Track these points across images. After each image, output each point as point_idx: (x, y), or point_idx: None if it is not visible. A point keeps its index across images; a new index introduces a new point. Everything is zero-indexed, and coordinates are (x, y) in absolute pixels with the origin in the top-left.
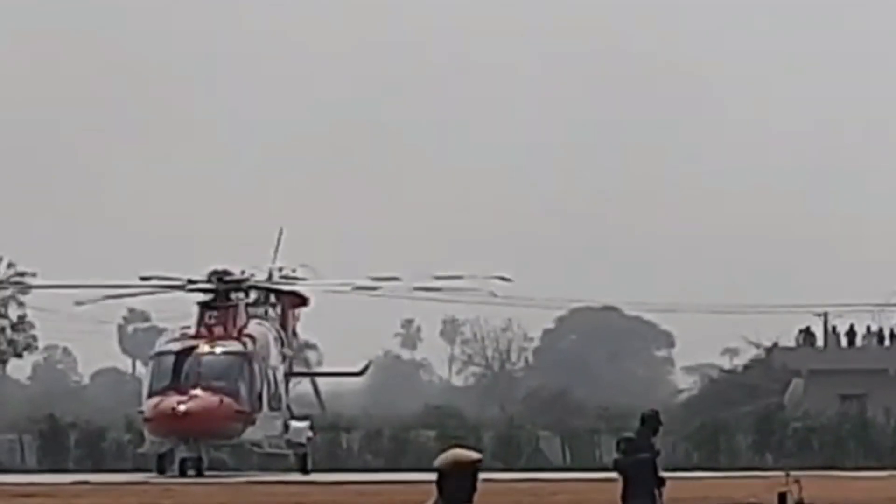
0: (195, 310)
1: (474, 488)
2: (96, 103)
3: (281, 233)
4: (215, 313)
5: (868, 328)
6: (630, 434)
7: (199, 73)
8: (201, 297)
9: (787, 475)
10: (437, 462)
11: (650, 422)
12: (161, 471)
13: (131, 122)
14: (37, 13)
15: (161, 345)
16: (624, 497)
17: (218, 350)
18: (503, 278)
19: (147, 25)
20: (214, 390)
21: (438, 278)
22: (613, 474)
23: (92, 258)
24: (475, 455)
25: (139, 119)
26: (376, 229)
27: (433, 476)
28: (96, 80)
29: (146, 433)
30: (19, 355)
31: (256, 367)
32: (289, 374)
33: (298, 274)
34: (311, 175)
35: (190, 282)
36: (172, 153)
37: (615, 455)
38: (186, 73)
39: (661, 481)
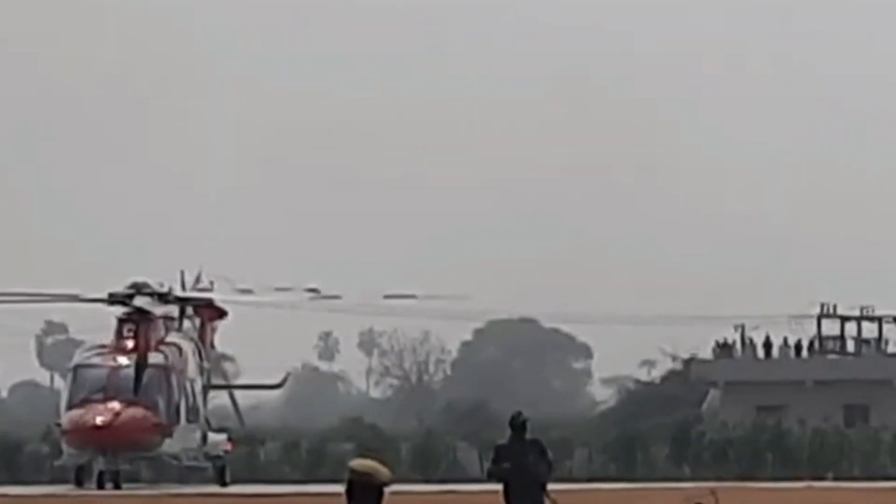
0: (113, 322)
1: (380, 499)
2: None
3: (200, 272)
4: (133, 326)
5: (785, 340)
6: (503, 442)
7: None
8: (120, 309)
9: (713, 493)
10: (354, 465)
11: (518, 426)
12: (79, 483)
13: (55, 129)
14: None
15: (79, 357)
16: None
17: (136, 363)
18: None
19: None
20: (132, 403)
21: (388, 297)
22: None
23: (10, 269)
24: (380, 474)
25: (64, 126)
26: (284, 241)
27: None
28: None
29: (64, 446)
30: None
31: (174, 380)
32: (207, 387)
33: (216, 286)
34: (236, 188)
35: (109, 294)
36: (93, 165)
37: (489, 466)
38: (111, 82)
39: (543, 486)
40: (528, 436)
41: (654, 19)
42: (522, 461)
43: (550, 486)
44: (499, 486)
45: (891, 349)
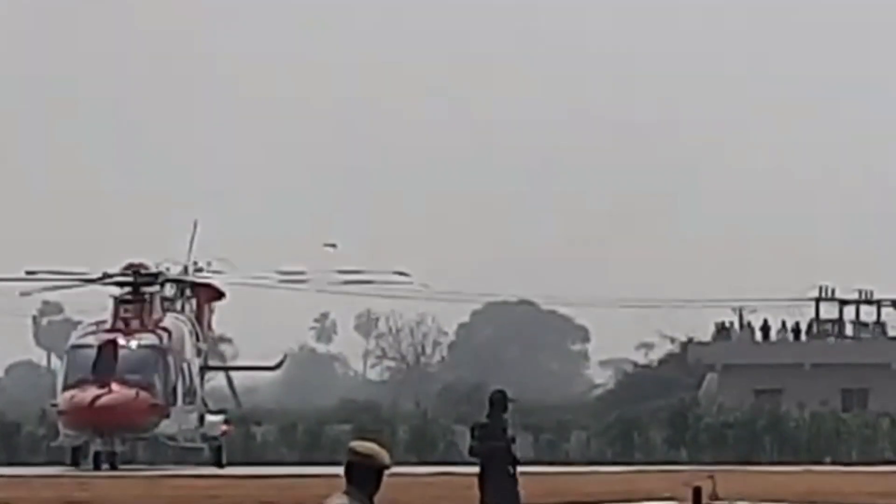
0: (110, 303)
1: (379, 482)
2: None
3: (195, 226)
4: (130, 307)
5: (783, 323)
6: (484, 420)
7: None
8: (116, 290)
9: (711, 477)
10: (354, 446)
11: (499, 404)
12: (75, 464)
13: (51, 112)
14: None
15: (76, 338)
16: (481, 483)
17: (133, 344)
18: (401, 273)
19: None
20: (129, 384)
21: (343, 272)
22: (529, 467)
23: (8, 250)
24: (380, 458)
25: (58, 108)
26: (292, 225)
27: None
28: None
29: (61, 426)
30: None
31: (171, 361)
32: (204, 368)
33: (215, 267)
34: (230, 170)
35: (105, 275)
36: (87, 145)
37: (470, 443)
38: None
39: (516, 463)
40: (506, 415)
41: None
42: (496, 447)
43: (546, 469)
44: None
45: (889, 333)
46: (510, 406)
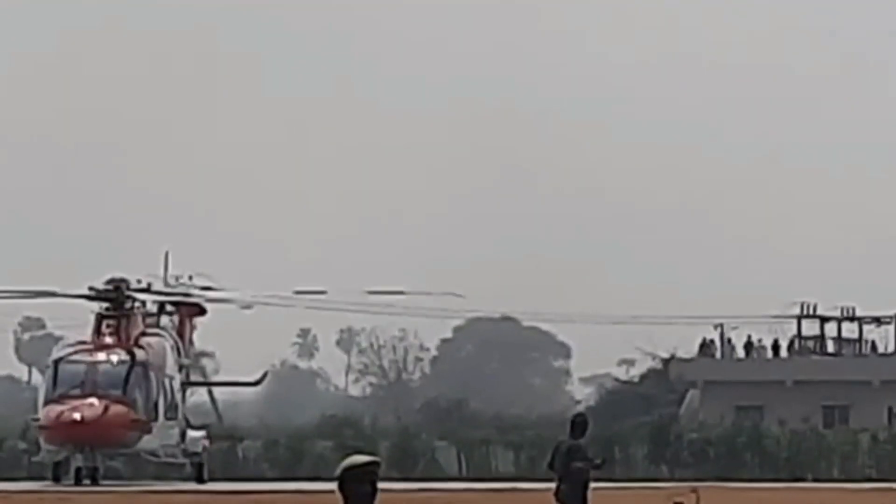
0: (92, 318)
1: (374, 490)
2: None
3: (167, 257)
4: (112, 322)
5: (759, 340)
6: (568, 441)
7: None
8: (98, 305)
9: (695, 491)
10: (337, 470)
11: (580, 427)
12: (56, 479)
13: (34, 126)
14: None
15: (58, 353)
16: (557, 497)
17: (114, 359)
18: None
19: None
20: (111, 399)
21: (373, 293)
22: (510, 484)
23: None
24: (369, 458)
25: (42, 123)
26: (269, 240)
27: (329, 486)
28: None
29: (42, 441)
30: None
31: (153, 376)
32: (185, 384)
33: (195, 282)
34: (211, 184)
35: (88, 289)
36: (70, 162)
37: (550, 459)
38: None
39: (587, 484)
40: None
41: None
42: (570, 466)
43: (527, 486)
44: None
45: (870, 350)
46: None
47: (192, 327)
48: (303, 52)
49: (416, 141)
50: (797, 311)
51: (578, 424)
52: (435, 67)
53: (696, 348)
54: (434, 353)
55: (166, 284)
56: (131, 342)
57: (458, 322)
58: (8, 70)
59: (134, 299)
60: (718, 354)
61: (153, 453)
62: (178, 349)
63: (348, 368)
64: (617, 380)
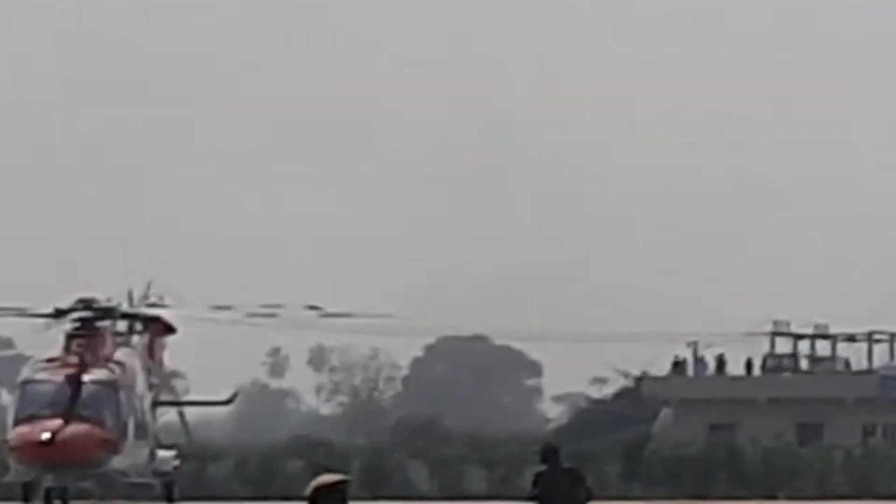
0: (61, 338)
1: None
2: None
3: (149, 286)
4: (81, 341)
5: (732, 357)
6: (541, 469)
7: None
8: (67, 324)
9: None
10: (308, 489)
11: (547, 453)
12: (26, 500)
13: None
14: None
15: (27, 373)
16: None
17: (84, 378)
18: (313, 307)
19: None
20: (80, 419)
21: (327, 315)
22: (482, 502)
23: None
24: (338, 477)
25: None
26: (239, 258)
27: None
28: None
29: (11, 462)
30: None
31: (123, 396)
32: (156, 403)
33: (165, 301)
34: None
35: (57, 310)
36: (42, 177)
37: (531, 491)
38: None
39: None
40: (564, 464)
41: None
42: (556, 488)
43: None
44: None
45: (841, 367)
46: (559, 454)
47: (162, 346)
48: (284, 68)
49: (386, 160)
50: (770, 328)
51: (555, 452)
52: (408, 85)
53: (668, 366)
54: (405, 371)
55: (133, 304)
56: (101, 362)
57: (429, 340)
58: None
59: (103, 318)
60: (691, 372)
61: (123, 473)
62: (148, 368)
63: (319, 387)
64: (589, 398)
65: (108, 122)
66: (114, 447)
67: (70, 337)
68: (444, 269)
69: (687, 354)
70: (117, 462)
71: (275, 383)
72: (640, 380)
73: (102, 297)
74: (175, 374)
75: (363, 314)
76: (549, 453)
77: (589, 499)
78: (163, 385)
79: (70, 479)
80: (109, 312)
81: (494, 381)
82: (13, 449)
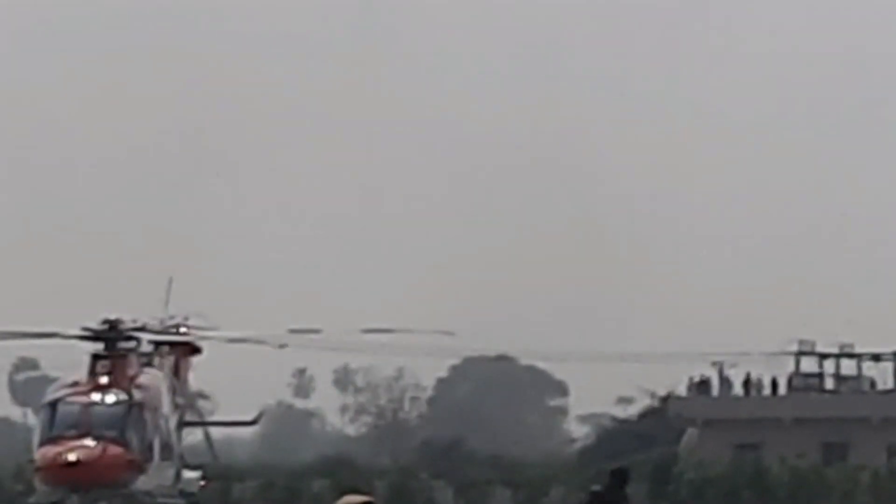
0: (86, 358)
1: None
2: None
3: (170, 282)
4: (107, 362)
5: (757, 377)
6: (598, 487)
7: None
8: (93, 345)
9: None
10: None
11: (618, 477)
12: None
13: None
14: None
15: (52, 394)
16: None
17: (109, 399)
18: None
19: None
20: (106, 439)
21: (367, 331)
22: None
23: None
24: (363, 497)
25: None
26: (263, 280)
27: None
28: None
29: (37, 483)
30: None
31: (148, 417)
32: (181, 424)
33: (191, 322)
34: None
35: (83, 330)
36: (63, 199)
37: None
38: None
39: None
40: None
41: None
42: None
43: None
44: None
45: (866, 387)
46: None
47: (188, 367)
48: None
49: (410, 180)
50: (795, 348)
51: (626, 478)
52: (432, 109)
53: (694, 386)
54: (430, 392)
55: (162, 325)
56: (127, 382)
57: (454, 361)
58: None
59: (129, 339)
60: (716, 392)
61: (149, 494)
62: (174, 389)
63: (344, 408)
64: (615, 418)
65: (147, 139)
66: (139, 468)
67: (96, 358)
68: (469, 289)
69: (712, 374)
70: (143, 482)
71: (300, 404)
72: (665, 400)
73: (128, 318)
74: (201, 395)
75: (402, 329)
76: (623, 476)
77: None
78: (188, 405)
79: (96, 500)
80: (135, 333)
81: (519, 401)
82: (39, 469)
